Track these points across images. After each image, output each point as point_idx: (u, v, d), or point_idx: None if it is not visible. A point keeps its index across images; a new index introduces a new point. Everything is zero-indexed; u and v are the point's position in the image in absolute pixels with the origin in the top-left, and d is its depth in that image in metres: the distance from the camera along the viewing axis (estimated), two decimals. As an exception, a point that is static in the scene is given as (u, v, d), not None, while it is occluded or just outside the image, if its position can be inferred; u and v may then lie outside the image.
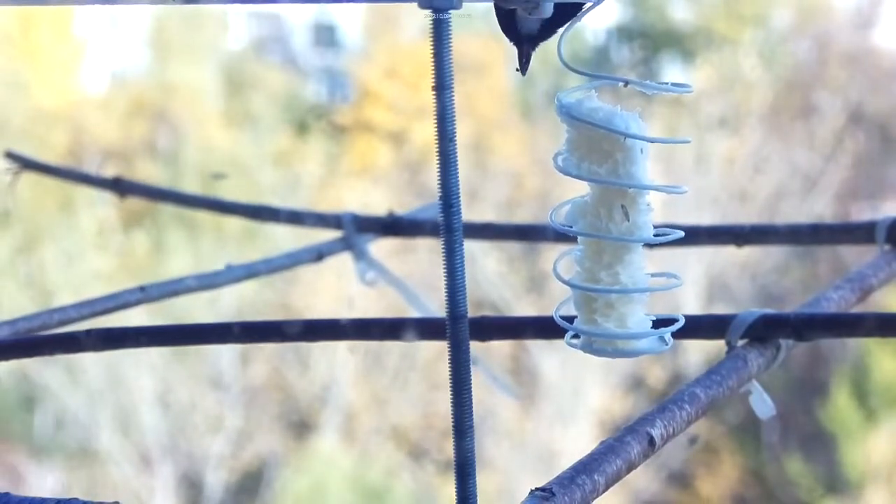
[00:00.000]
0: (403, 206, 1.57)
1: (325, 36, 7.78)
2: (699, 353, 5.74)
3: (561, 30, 0.76)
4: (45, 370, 6.12)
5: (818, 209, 6.70)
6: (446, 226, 0.68)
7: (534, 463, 6.16)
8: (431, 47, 0.67)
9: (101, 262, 6.62)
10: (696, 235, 1.30)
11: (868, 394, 6.21)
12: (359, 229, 1.45)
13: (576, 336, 0.77)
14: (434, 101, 0.67)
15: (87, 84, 7.56)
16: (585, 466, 0.76)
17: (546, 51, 0.79)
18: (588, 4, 0.75)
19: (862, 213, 6.66)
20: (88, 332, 1.08)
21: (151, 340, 1.14)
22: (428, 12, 0.67)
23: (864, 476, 6.04)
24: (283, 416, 6.49)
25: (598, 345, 0.76)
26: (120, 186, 1.55)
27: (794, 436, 6.16)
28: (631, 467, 0.79)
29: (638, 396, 6.39)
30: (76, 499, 0.72)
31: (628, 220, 0.74)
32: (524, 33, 0.77)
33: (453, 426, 0.69)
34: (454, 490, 0.69)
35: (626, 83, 0.76)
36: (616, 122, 0.73)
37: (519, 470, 6.08)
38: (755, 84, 7.07)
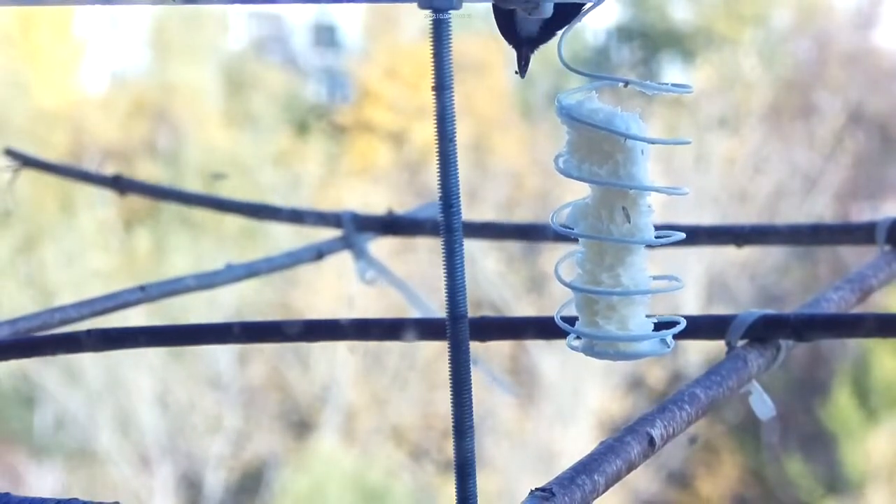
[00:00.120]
0: (403, 206, 1.57)
1: (325, 36, 7.78)
2: (699, 353, 5.74)
3: (561, 31, 0.76)
4: (44, 370, 6.12)
5: (818, 209, 6.70)
6: (446, 226, 0.68)
7: (534, 463, 6.16)
8: (431, 47, 0.67)
9: (101, 262, 6.62)
10: (696, 236, 1.30)
11: (868, 393, 6.21)
12: (358, 228, 1.45)
13: (577, 338, 0.76)
14: (434, 101, 0.67)
15: (87, 84, 7.56)
16: (585, 467, 0.76)
17: (546, 51, 0.79)
18: (588, 5, 0.75)
19: (862, 214, 6.66)
20: (88, 332, 1.08)
21: (151, 340, 1.14)
22: (428, 12, 0.67)
23: (865, 476, 6.04)
24: (283, 416, 6.49)
25: (600, 347, 0.76)
26: (119, 184, 1.55)
27: (794, 436, 6.16)
28: (631, 467, 0.79)
29: (638, 396, 6.39)
30: (76, 499, 0.72)
31: (629, 222, 0.74)
32: (523, 36, 0.77)
33: (453, 426, 0.69)
34: (454, 490, 0.69)
35: (627, 84, 0.75)
36: (616, 122, 0.73)
37: (519, 470, 6.08)
38: (755, 84, 7.07)
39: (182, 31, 7.28)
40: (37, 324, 1.16)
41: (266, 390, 6.47)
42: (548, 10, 0.73)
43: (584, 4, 0.75)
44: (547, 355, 6.19)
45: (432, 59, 0.67)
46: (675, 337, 0.76)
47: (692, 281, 6.21)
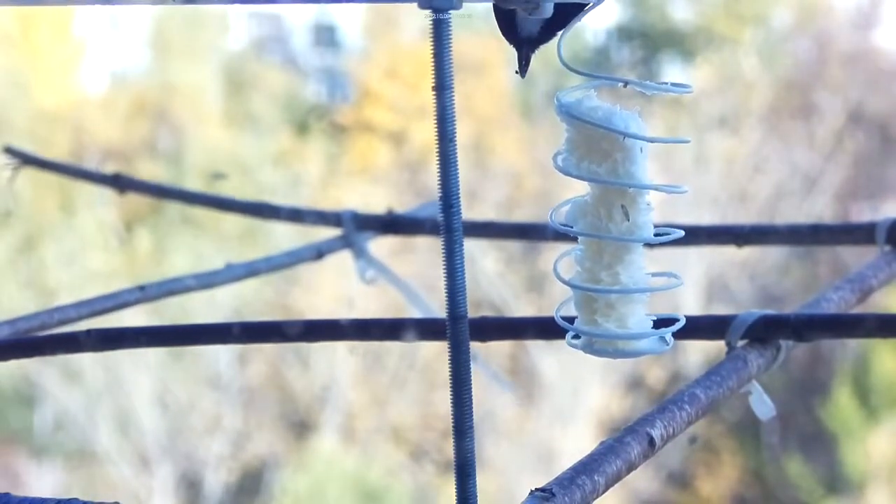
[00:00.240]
0: (403, 206, 1.57)
1: (325, 36, 7.78)
2: (699, 353, 5.74)
3: (561, 31, 0.76)
4: (44, 371, 6.12)
5: (818, 209, 6.70)
6: (446, 226, 0.68)
7: (534, 463, 6.16)
8: (431, 47, 0.67)
9: (101, 262, 6.62)
10: (695, 235, 1.30)
11: (869, 393, 6.21)
12: (358, 227, 1.45)
13: (576, 336, 0.77)
14: (434, 101, 0.67)
15: (87, 84, 7.56)
16: (585, 467, 0.76)
17: (546, 51, 0.79)
18: (588, 5, 0.75)
19: (862, 214, 6.66)
20: (88, 332, 1.08)
21: (151, 340, 1.14)
22: (428, 12, 0.67)
23: (865, 476, 6.04)
24: (283, 416, 6.49)
25: (599, 345, 0.76)
26: (119, 183, 1.55)
27: (794, 436, 6.16)
28: (631, 468, 0.79)
29: (637, 396, 6.39)
30: (76, 499, 0.72)
31: (628, 220, 0.74)
32: (524, 36, 0.77)
33: (453, 426, 0.69)
34: (454, 490, 0.69)
35: (626, 83, 0.75)
36: (615, 121, 0.73)
37: (519, 470, 6.08)
38: (755, 84, 7.07)
39: (182, 31, 7.28)
40: (36, 324, 1.16)
41: (266, 390, 6.47)
42: (548, 10, 0.73)
43: (584, 4, 0.75)
44: (547, 355, 6.19)
45: (432, 59, 0.67)
46: (675, 335, 0.76)
47: (692, 281, 6.21)
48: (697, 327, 0.99)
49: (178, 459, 6.27)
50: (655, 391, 6.25)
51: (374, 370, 6.43)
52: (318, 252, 1.43)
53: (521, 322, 1.19)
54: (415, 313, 1.42)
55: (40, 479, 6.00)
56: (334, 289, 6.03)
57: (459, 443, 0.68)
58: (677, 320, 0.76)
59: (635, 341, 0.75)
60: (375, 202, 5.68)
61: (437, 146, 0.68)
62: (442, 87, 0.67)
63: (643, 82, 0.75)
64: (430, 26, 0.67)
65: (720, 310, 5.64)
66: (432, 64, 0.67)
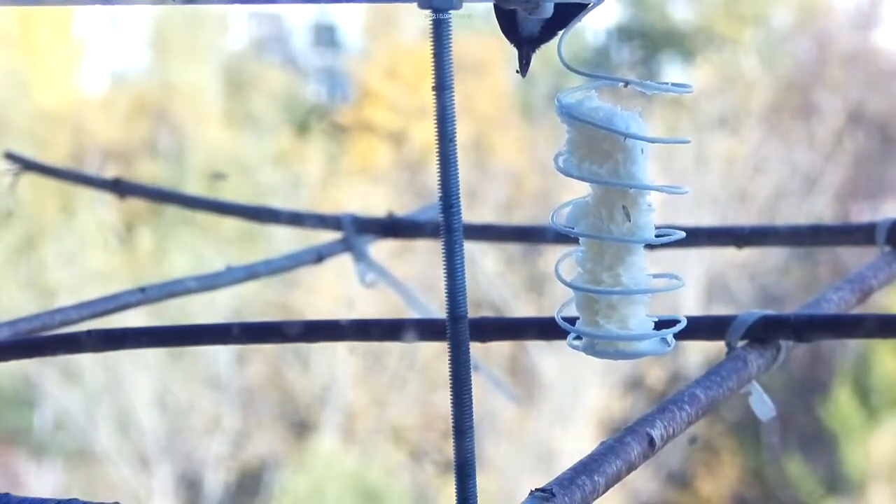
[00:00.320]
0: (403, 206, 1.57)
1: (325, 36, 7.78)
2: (699, 353, 5.74)
3: (561, 31, 0.76)
4: (44, 371, 6.12)
5: (818, 209, 6.70)
6: (446, 226, 0.68)
7: (533, 463, 6.16)
8: (431, 47, 0.67)
9: (101, 263, 6.62)
10: (696, 236, 1.30)
11: (869, 393, 6.21)
12: (359, 231, 1.45)
13: (578, 337, 0.77)
14: (434, 101, 0.67)
15: (88, 84, 7.56)
16: (585, 467, 0.76)
17: (546, 51, 0.79)
18: (588, 5, 0.75)
19: (862, 214, 6.66)
20: (89, 332, 1.08)
21: (152, 341, 1.14)
22: (428, 12, 0.67)
23: (865, 476, 6.04)
24: (282, 416, 6.49)
25: (600, 346, 0.76)
26: (120, 187, 1.55)
27: (794, 436, 6.16)
28: (631, 468, 0.79)
29: (637, 396, 6.39)
30: (76, 499, 0.72)
31: (629, 221, 0.74)
32: (525, 35, 0.77)
33: (453, 426, 0.69)
34: (454, 490, 0.69)
35: (626, 83, 0.75)
36: (616, 122, 0.73)
37: (519, 470, 6.08)
38: (755, 84, 7.07)
39: (182, 31, 7.28)
40: (37, 325, 1.16)
41: (266, 390, 6.47)
42: (548, 10, 0.73)
43: (584, 4, 0.75)
44: (547, 356, 6.19)
45: (432, 59, 0.67)
46: (676, 336, 0.76)
47: (692, 281, 6.21)
48: (697, 328, 0.99)
49: (177, 459, 6.27)
50: (655, 391, 6.25)
51: (374, 370, 6.43)
52: (319, 255, 1.43)
53: (522, 322, 1.20)
54: (414, 316, 1.42)
55: (40, 479, 6.00)
56: (334, 291, 6.03)
57: (459, 443, 0.69)
58: (678, 321, 0.76)
59: (637, 342, 0.75)
60: (375, 202, 5.69)
61: (437, 146, 0.68)
62: (442, 87, 0.67)
63: (643, 82, 0.75)
64: (430, 26, 0.67)
65: (720, 310, 5.64)
66: (432, 64, 0.67)
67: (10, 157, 1.55)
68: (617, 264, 0.75)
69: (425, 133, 6.18)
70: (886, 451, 6.06)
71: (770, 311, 0.97)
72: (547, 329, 1.02)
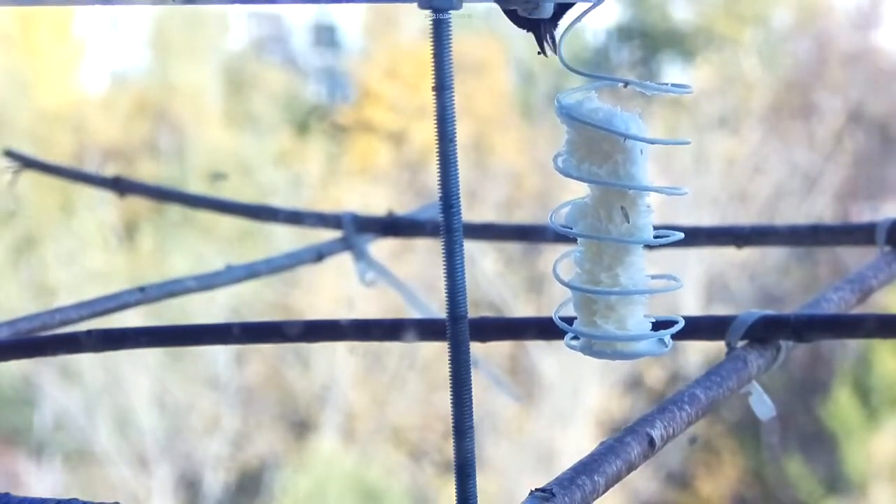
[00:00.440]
0: (403, 206, 1.57)
1: (325, 36, 7.78)
2: (698, 353, 5.74)
3: (560, 32, 0.76)
4: (43, 371, 6.12)
5: (818, 209, 6.70)
6: (446, 226, 0.68)
7: (533, 463, 6.16)
8: (431, 47, 0.67)
9: (101, 263, 6.62)
10: (695, 236, 1.30)
11: (869, 393, 6.21)
12: (359, 229, 1.45)
13: (576, 337, 0.77)
14: (434, 101, 0.67)
15: (88, 84, 7.56)
16: (585, 467, 0.76)
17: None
18: (588, 5, 0.75)
19: (862, 214, 6.66)
20: (89, 332, 1.08)
21: (152, 341, 1.14)
22: (428, 12, 0.67)
23: (865, 476, 6.04)
24: (282, 416, 6.49)
25: (598, 347, 0.76)
26: (120, 185, 1.55)
27: (794, 436, 6.15)
28: (631, 468, 0.79)
29: (636, 396, 6.39)
30: (76, 499, 0.72)
31: (628, 222, 0.74)
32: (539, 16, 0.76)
33: (453, 426, 0.69)
34: (454, 490, 0.69)
35: (626, 84, 0.75)
36: (616, 122, 0.73)
37: (519, 470, 6.08)
38: (755, 84, 7.07)
39: (182, 31, 7.28)
40: (37, 324, 1.16)
41: (265, 390, 6.47)
42: (548, 10, 0.73)
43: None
44: (546, 355, 6.19)
45: (432, 59, 0.67)
46: (674, 337, 0.76)
47: (692, 281, 6.21)
48: (697, 328, 0.99)
49: (177, 460, 6.27)
50: (655, 391, 6.25)
51: (374, 370, 6.43)
52: (319, 254, 1.43)
53: (521, 322, 1.20)
54: (414, 315, 1.42)
55: (40, 479, 6.00)
56: (334, 290, 6.03)
57: (459, 443, 0.69)
58: (676, 322, 0.76)
59: (634, 343, 0.75)
60: (375, 202, 5.68)
61: (437, 146, 0.68)
62: (442, 87, 0.67)
63: (643, 83, 0.75)
64: (430, 26, 0.67)
65: (720, 310, 5.63)
66: (432, 64, 0.67)
67: (10, 154, 1.55)
68: (615, 265, 0.75)
69: (425, 133, 6.18)
70: (887, 451, 6.05)
71: (770, 311, 0.97)
72: (546, 329, 1.02)
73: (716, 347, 0.98)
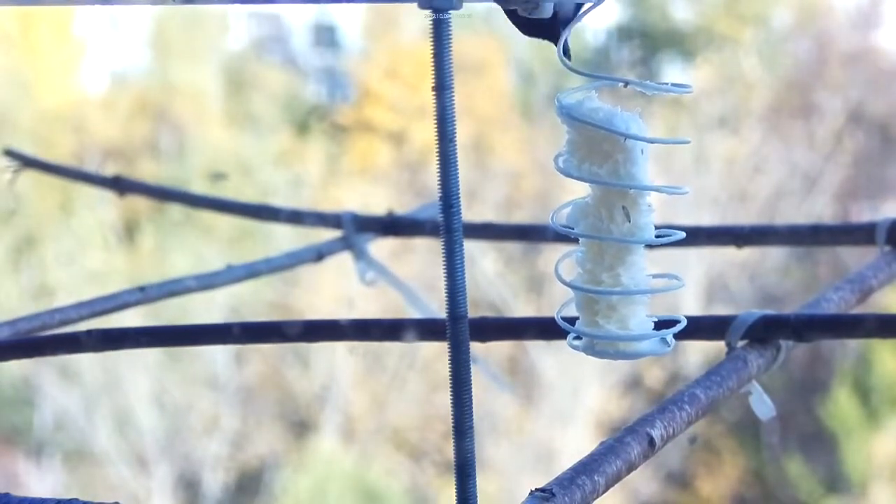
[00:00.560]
0: (403, 206, 1.57)
1: (325, 36, 7.78)
2: (698, 353, 5.74)
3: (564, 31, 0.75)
4: (43, 371, 6.12)
5: (818, 209, 6.70)
6: (446, 226, 0.68)
7: (533, 463, 6.16)
8: (431, 47, 0.67)
9: (101, 262, 6.62)
10: (696, 236, 1.30)
11: (869, 393, 6.21)
12: (359, 229, 1.45)
13: (578, 337, 0.76)
14: (434, 101, 0.67)
15: (88, 84, 7.57)
16: (585, 467, 0.76)
17: (547, 51, 0.78)
18: (588, 5, 0.74)
19: (862, 214, 6.66)
20: (89, 332, 1.08)
21: (152, 341, 1.14)
22: (428, 12, 0.67)
23: (865, 476, 6.04)
24: (282, 416, 6.49)
25: (600, 346, 0.76)
26: (120, 185, 1.55)
27: (794, 436, 6.16)
28: (631, 468, 0.79)
29: (636, 396, 6.39)
30: (76, 499, 0.72)
31: (629, 222, 0.74)
32: (561, 18, 0.75)
33: (453, 426, 0.69)
34: (454, 491, 0.69)
35: (626, 84, 0.75)
36: (616, 122, 0.73)
37: (519, 470, 6.08)
38: (755, 84, 7.07)
39: (182, 31, 7.28)
40: (37, 324, 1.16)
41: (265, 390, 6.47)
42: (548, 10, 0.73)
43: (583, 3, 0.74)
44: (546, 355, 6.19)
45: (432, 59, 0.67)
46: (676, 336, 0.76)
47: (692, 281, 6.21)
48: (698, 327, 0.99)
49: (176, 460, 6.27)
50: (654, 391, 6.25)
51: (374, 370, 6.43)
52: (319, 254, 1.43)
53: (521, 322, 1.19)
54: (414, 314, 1.42)
55: (40, 479, 6.00)
56: (334, 290, 6.03)
57: (459, 443, 0.68)
58: (678, 321, 0.76)
59: (636, 343, 0.75)
60: (375, 202, 5.68)
61: (437, 146, 0.68)
62: (442, 87, 0.67)
63: (643, 82, 0.74)
64: (430, 26, 0.67)
65: (720, 310, 5.64)
66: (432, 64, 0.67)
67: (10, 154, 1.55)
68: (617, 265, 0.75)
69: (425, 133, 6.18)
70: (887, 451, 6.06)
71: (770, 311, 0.97)
72: (547, 329, 1.02)
73: (716, 347, 0.98)
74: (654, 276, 0.76)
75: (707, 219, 5.93)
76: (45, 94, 7.09)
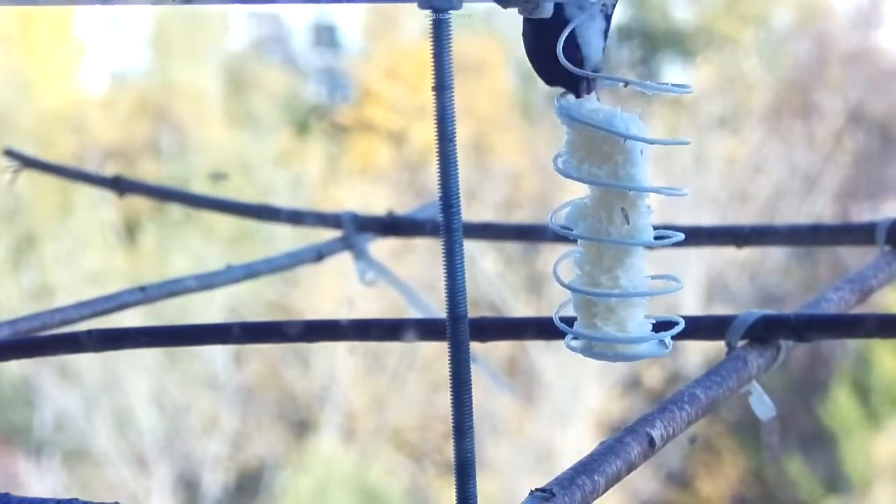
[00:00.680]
0: (403, 206, 1.57)
1: (325, 36, 7.78)
2: (698, 353, 5.74)
3: (565, 31, 0.75)
4: (43, 371, 6.12)
5: (818, 209, 6.70)
6: (446, 226, 0.68)
7: (533, 463, 6.16)
8: (431, 47, 0.67)
9: (101, 262, 6.62)
10: (695, 236, 1.30)
11: (869, 393, 6.21)
12: (359, 229, 1.45)
13: (576, 338, 0.76)
14: (434, 101, 0.67)
15: (88, 84, 7.57)
16: (585, 467, 0.76)
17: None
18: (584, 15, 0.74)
19: (862, 214, 6.66)
20: (89, 332, 1.08)
21: (152, 341, 1.14)
22: (428, 12, 0.67)
23: (865, 476, 6.04)
24: (282, 416, 6.49)
25: (599, 348, 0.76)
26: (119, 185, 1.55)
27: (794, 436, 6.16)
28: (631, 468, 0.79)
29: (636, 397, 6.39)
30: (76, 499, 0.72)
31: (628, 223, 0.74)
32: (591, 55, 0.75)
33: (453, 426, 0.69)
34: (454, 491, 0.69)
35: (626, 83, 0.75)
36: (616, 123, 0.73)
37: (519, 470, 6.08)
38: (755, 84, 7.07)
39: (182, 31, 7.28)
40: (37, 324, 1.16)
41: (265, 390, 6.47)
42: (548, 10, 0.73)
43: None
44: (546, 356, 6.19)
45: (432, 59, 0.67)
46: (675, 337, 0.76)
47: (692, 281, 6.21)
48: (697, 328, 0.99)
49: (176, 460, 6.27)
50: (653, 391, 6.25)
51: (374, 370, 6.43)
52: (319, 254, 1.43)
53: (521, 322, 1.19)
54: (415, 314, 1.42)
55: (40, 479, 6.00)
56: (334, 290, 6.03)
57: (459, 443, 0.68)
58: (677, 323, 0.76)
59: (635, 345, 0.75)
60: (375, 202, 5.68)
61: (437, 146, 0.68)
62: (442, 87, 0.67)
63: (643, 82, 0.74)
64: (430, 26, 0.67)
65: (720, 310, 5.63)
66: (432, 64, 0.67)
67: (10, 154, 1.55)
68: (616, 266, 0.74)
69: (425, 133, 6.17)
70: (887, 451, 6.06)
71: (770, 311, 0.97)
72: (546, 329, 1.02)
73: (716, 347, 0.98)
74: (653, 278, 0.76)
75: (707, 219, 5.92)
76: (45, 94, 7.09)
